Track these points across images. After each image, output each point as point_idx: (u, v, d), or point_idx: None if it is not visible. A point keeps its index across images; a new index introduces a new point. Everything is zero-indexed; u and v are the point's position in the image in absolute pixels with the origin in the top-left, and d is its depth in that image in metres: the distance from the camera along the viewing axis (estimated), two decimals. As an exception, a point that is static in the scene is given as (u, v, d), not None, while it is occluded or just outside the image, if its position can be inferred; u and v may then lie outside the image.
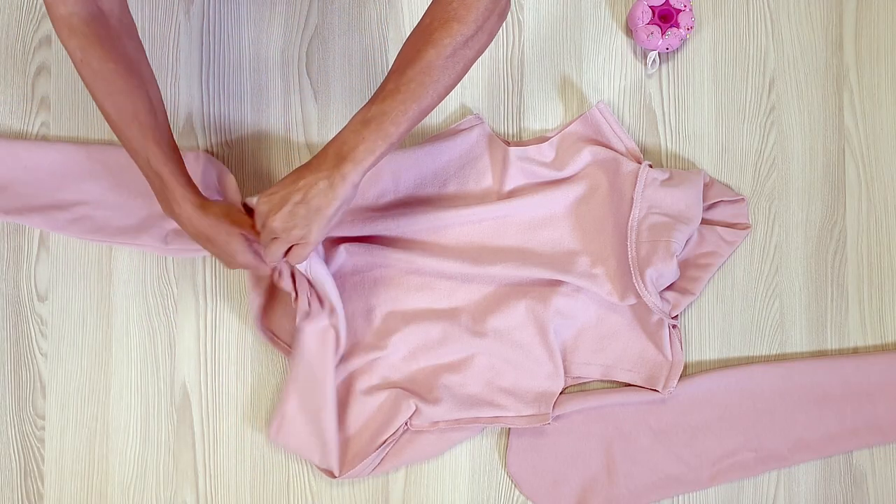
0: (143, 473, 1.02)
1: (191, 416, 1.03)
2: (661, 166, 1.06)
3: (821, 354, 1.06)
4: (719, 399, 1.03)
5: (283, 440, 0.97)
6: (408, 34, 1.05)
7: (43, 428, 1.03)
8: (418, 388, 1.00)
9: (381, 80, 1.05)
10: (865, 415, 1.03)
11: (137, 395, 1.03)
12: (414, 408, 0.98)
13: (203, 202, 0.86)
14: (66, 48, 0.83)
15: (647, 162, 1.02)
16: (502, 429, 1.03)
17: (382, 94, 0.80)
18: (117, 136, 0.85)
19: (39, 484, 1.02)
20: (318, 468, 0.99)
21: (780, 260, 1.06)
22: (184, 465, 1.03)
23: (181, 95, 1.05)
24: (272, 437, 0.97)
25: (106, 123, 1.04)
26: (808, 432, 1.03)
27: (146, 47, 1.05)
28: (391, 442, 0.98)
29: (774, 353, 1.05)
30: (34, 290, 1.03)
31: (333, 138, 0.81)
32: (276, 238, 0.81)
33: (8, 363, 1.03)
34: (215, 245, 0.86)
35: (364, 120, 0.80)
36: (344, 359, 0.99)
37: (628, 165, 1.01)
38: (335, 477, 0.98)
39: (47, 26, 1.05)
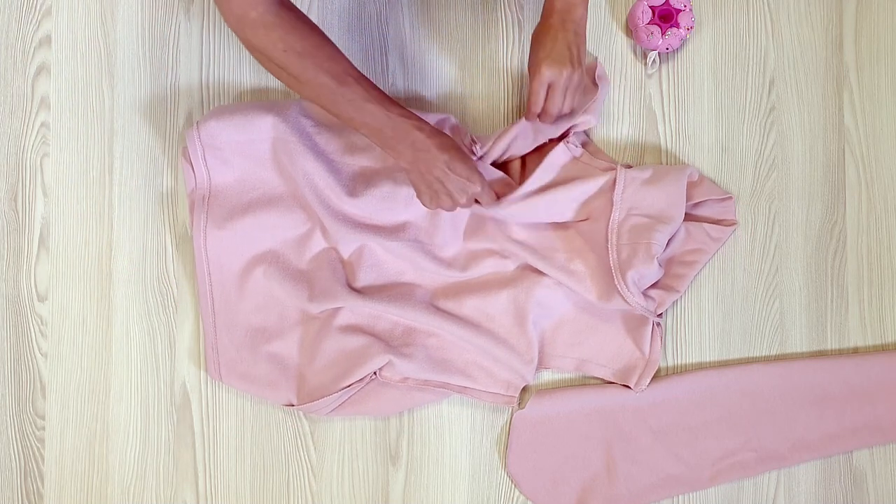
0: (143, 473, 1.02)
1: (191, 416, 1.03)
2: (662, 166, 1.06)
3: (821, 354, 1.06)
4: (719, 399, 1.03)
5: (230, 380, 1.01)
6: (408, 34, 1.06)
7: (43, 428, 1.03)
8: (396, 342, 1.01)
9: (380, 79, 1.05)
10: (865, 415, 1.03)
11: (137, 395, 1.03)
12: (386, 360, 0.98)
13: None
14: (262, 48, 0.85)
15: (623, 163, 1.02)
16: (502, 428, 1.03)
17: None
18: (334, 105, 0.88)
19: (39, 484, 1.02)
20: (275, 400, 1.01)
21: (780, 260, 1.06)
22: (184, 465, 1.03)
23: (181, 95, 1.05)
24: (223, 379, 1.00)
25: (110, 125, 1.04)
26: (808, 432, 1.03)
27: (146, 47, 1.05)
28: (356, 387, 0.99)
29: (774, 353, 1.05)
30: (34, 290, 1.03)
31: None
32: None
33: (8, 363, 1.03)
34: (455, 177, 0.91)
35: None
36: (324, 295, 0.99)
37: (603, 174, 1.01)
38: (293, 406, 1.00)
39: (47, 26, 1.05)
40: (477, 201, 0.96)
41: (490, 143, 1.00)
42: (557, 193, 1.00)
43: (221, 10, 0.85)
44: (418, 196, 0.93)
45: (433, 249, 1.02)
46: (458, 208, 0.95)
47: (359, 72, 0.89)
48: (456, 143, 0.92)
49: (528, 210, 0.99)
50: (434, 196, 0.92)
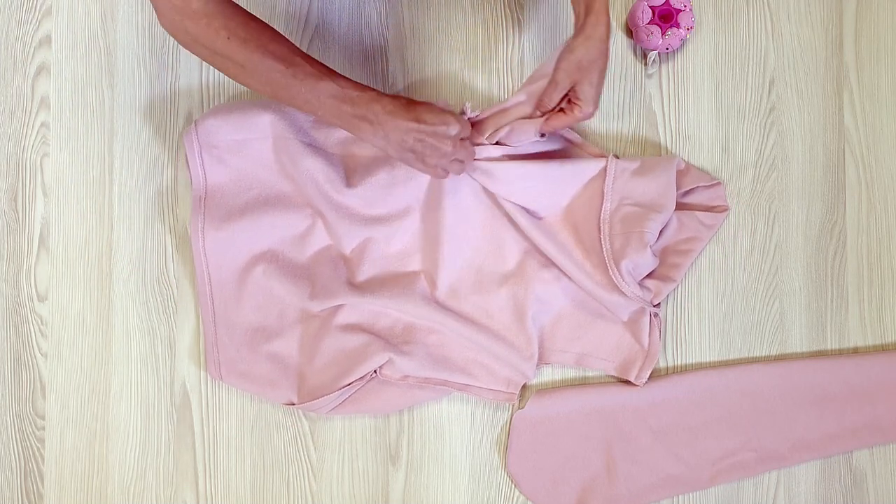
0: (143, 473, 1.03)
1: (191, 416, 1.03)
2: (661, 166, 1.06)
3: (821, 354, 1.06)
4: (719, 399, 1.03)
5: (231, 380, 1.01)
6: (408, 34, 1.06)
7: (43, 428, 1.03)
8: (396, 339, 1.01)
9: (380, 79, 1.05)
10: (865, 415, 1.03)
11: (137, 395, 1.03)
12: (386, 358, 0.98)
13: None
14: (204, 38, 0.83)
15: (613, 153, 1.02)
16: (502, 428, 1.03)
17: None
18: (287, 89, 0.85)
19: (39, 484, 1.02)
20: (275, 398, 1.01)
21: (780, 260, 1.06)
22: (184, 465, 1.03)
23: (181, 95, 1.05)
24: (223, 378, 1.01)
25: (121, 120, 1.04)
26: (808, 432, 1.03)
27: (146, 47, 1.05)
28: (356, 386, 0.99)
29: (774, 353, 1.05)
30: (34, 290, 1.03)
31: None
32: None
33: (8, 363, 1.03)
34: (428, 126, 0.87)
35: None
36: (325, 293, 1.00)
37: (595, 159, 1.01)
38: (293, 405, 1.00)
39: (47, 26, 1.05)
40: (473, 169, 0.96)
41: (487, 112, 0.99)
42: (554, 170, 0.99)
43: (158, 5, 0.83)
44: (411, 166, 0.91)
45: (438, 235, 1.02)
46: (458, 163, 0.92)
47: (304, 52, 0.86)
48: (413, 100, 0.89)
49: (523, 180, 0.99)
50: (421, 158, 0.89)
